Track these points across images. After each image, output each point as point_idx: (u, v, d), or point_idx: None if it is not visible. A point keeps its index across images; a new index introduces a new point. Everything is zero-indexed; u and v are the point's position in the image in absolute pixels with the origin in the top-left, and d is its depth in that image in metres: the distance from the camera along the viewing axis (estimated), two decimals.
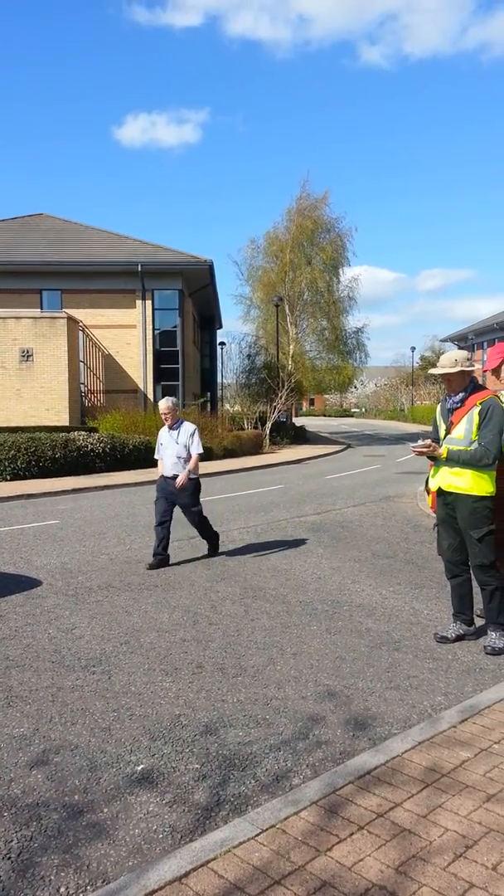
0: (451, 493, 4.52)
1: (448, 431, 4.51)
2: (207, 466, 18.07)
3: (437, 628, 4.89)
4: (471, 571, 4.61)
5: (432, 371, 4.70)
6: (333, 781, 2.81)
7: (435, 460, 4.59)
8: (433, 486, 4.68)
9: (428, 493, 4.90)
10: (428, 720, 3.43)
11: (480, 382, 4.64)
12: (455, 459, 4.40)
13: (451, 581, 4.73)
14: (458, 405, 4.49)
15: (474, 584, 4.65)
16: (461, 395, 4.48)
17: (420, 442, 4.51)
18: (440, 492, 4.61)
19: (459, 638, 4.69)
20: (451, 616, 4.83)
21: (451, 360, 4.47)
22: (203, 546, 7.99)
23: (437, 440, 4.64)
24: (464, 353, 4.53)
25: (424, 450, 4.46)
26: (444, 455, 4.42)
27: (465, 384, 4.48)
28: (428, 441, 4.51)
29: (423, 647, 4.62)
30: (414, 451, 4.53)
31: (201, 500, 7.47)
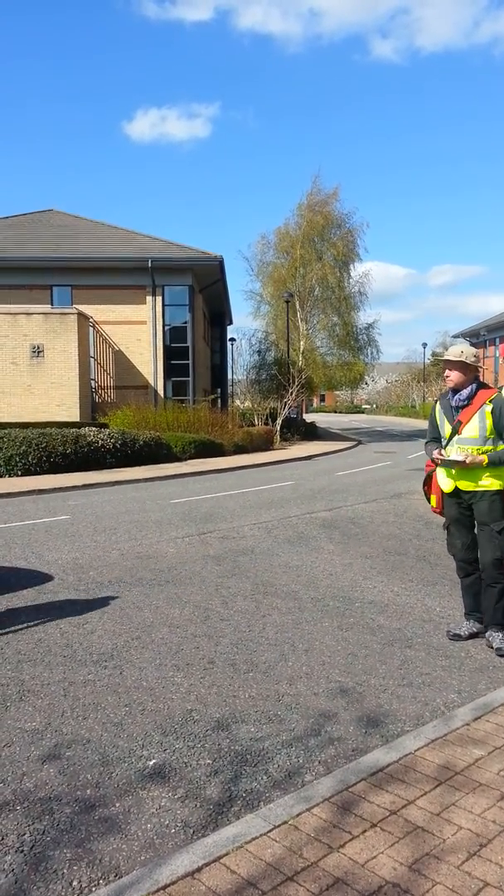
0: (468, 492, 4.45)
1: (457, 431, 4.41)
2: (218, 463, 18.07)
3: (450, 625, 4.86)
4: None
5: (438, 357, 4.59)
6: (346, 778, 2.79)
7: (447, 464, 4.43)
8: (447, 487, 4.55)
9: (428, 494, 4.78)
10: (441, 718, 3.41)
11: (487, 377, 4.56)
12: (497, 462, 4.26)
13: (465, 580, 4.68)
14: (466, 403, 4.40)
15: None
16: (467, 391, 4.39)
17: (450, 454, 4.31)
18: (455, 491, 4.51)
19: (472, 636, 4.65)
20: (464, 614, 4.80)
21: (458, 351, 4.39)
22: (213, 541, 7.99)
23: (436, 439, 4.57)
24: (472, 350, 4.45)
25: (466, 462, 4.25)
26: (486, 461, 4.25)
27: (465, 380, 4.38)
28: (468, 454, 4.28)
29: (435, 645, 4.60)
30: (455, 464, 4.31)
31: None
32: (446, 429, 4.49)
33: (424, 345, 58.60)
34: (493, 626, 4.49)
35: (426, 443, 4.75)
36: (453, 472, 4.45)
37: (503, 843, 2.38)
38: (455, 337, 50.85)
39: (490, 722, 3.31)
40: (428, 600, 5.66)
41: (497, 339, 42.66)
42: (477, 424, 4.32)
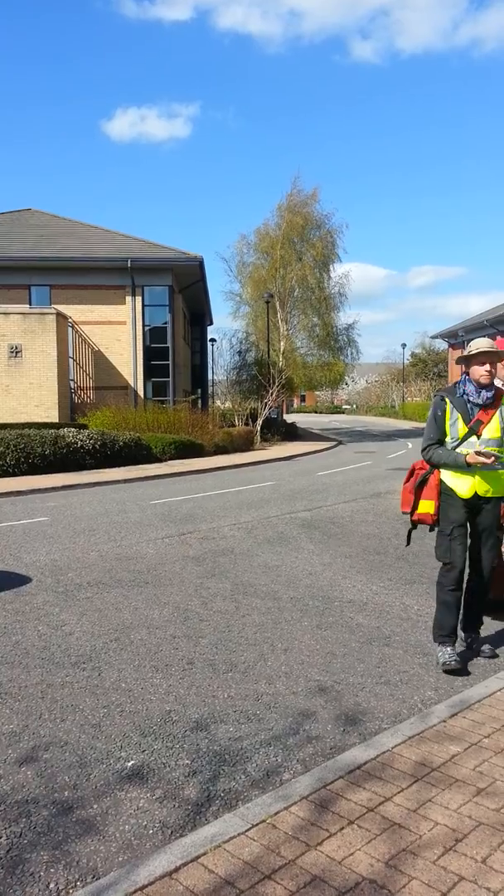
0: (484, 497, 4.10)
1: (476, 431, 4.00)
2: (198, 463, 18.05)
3: (446, 660, 4.09)
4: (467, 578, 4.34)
5: (478, 350, 3.99)
6: (324, 776, 2.81)
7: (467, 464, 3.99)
8: (467, 492, 4.05)
9: (417, 499, 4.24)
10: (418, 715, 3.43)
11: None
12: None
13: (455, 593, 4.14)
14: (492, 401, 4.02)
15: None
16: (493, 389, 4.04)
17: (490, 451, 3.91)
18: (474, 497, 4.07)
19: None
20: (461, 629, 4.35)
21: (489, 343, 4.01)
22: (193, 542, 7.98)
23: (440, 442, 4.13)
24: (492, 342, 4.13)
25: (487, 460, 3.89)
26: None
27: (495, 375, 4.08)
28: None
29: (413, 643, 4.63)
30: (485, 461, 3.88)
31: None
32: (460, 428, 4.04)
33: (404, 345, 58.87)
34: (474, 631, 4.46)
35: (428, 446, 4.17)
36: (475, 476, 4.04)
37: (478, 838, 2.41)
38: (434, 338, 51.21)
39: (466, 718, 3.34)
40: (406, 599, 5.70)
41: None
42: (499, 424, 4.03)
